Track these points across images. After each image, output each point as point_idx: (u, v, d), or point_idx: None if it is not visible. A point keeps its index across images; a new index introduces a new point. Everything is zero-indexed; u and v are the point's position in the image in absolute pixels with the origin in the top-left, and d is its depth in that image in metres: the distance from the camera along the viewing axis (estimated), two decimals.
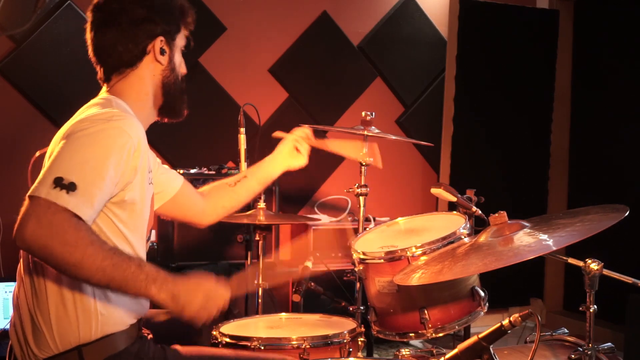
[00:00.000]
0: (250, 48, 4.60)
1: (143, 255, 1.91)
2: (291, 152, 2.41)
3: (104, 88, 1.98)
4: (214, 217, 2.36)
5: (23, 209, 1.62)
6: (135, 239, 1.86)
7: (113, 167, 1.71)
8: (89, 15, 1.96)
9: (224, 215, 2.38)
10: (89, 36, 1.96)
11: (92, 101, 1.92)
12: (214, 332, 2.31)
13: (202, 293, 1.72)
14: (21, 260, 1.87)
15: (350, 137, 2.80)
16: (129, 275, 1.65)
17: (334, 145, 2.64)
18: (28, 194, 1.63)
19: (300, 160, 2.42)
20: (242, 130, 3.07)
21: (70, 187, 1.62)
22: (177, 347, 1.99)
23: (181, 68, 2.05)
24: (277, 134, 2.46)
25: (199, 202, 2.32)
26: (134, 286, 1.66)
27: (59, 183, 1.62)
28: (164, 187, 2.20)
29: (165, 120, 2.07)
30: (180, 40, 2.02)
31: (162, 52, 1.95)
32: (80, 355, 1.76)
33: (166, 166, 2.28)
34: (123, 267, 1.64)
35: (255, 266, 3.00)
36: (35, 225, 1.59)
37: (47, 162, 1.74)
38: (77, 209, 1.63)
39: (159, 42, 1.94)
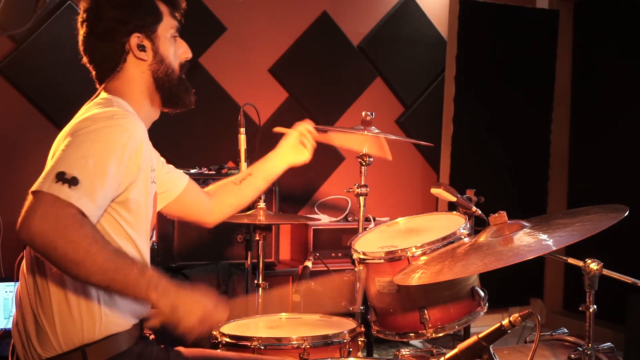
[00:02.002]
0: (250, 48, 4.60)
1: (147, 255, 1.91)
2: (295, 147, 2.37)
3: (102, 91, 1.98)
4: (220, 216, 2.33)
5: (27, 204, 1.62)
6: (139, 239, 1.85)
7: (115, 165, 1.70)
8: (78, 27, 1.95)
9: (230, 213, 2.36)
10: (80, 47, 1.96)
11: (93, 101, 1.91)
12: (214, 332, 2.32)
13: (201, 309, 1.71)
14: (24, 258, 1.87)
15: (353, 132, 2.77)
16: (130, 280, 1.64)
17: (338, 139, 2.60)
18: (31, 189, 1.63)
19: (304, 156, 2.38)
20: (242, 130, 3.07)
21: (72, 182, 1.62)
22: (181, 349, 1.99)
23: (180, 55, 1.98)
24: (278, 129, 2.43)
25: (205, 201, 2.30)
26: (133, 291, 1.66)
27: (61, 177, 1.61)
28: (169, 187, 2.19)
29: (177, 111, 2.03)
30: (165, 29, 1.94)
31: (141, 48, 1.90)
32: (84, 356, 1.76)
33: (171, 165, 2.25)
34: (125, 271, 1.64)
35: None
36: (40, 219, 1.58)
37: (50, 161, 1.74)
38: (79, 203, 1.61)
39: (135, 39, 1.90)
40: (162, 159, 2.20)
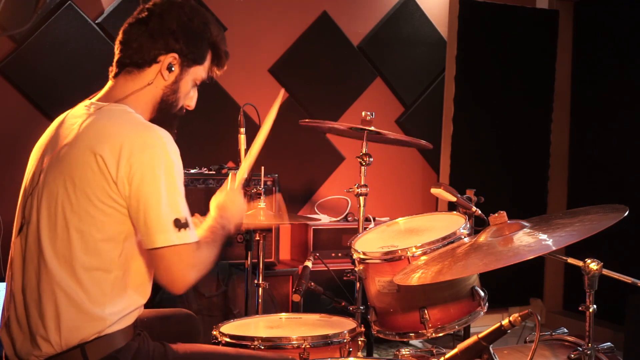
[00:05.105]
0: (250, 48, 4.60)
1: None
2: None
3: (110, 83, 1.99)
4: None
5: (165, 262, 1.79)
6: None
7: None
8: (138, 9, 2.00)
9: None
10: (125, 25, 2.00)
11: (125, 115, 1.90)
12: (214, 332, 2.32)
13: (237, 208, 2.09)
14: (15, 257, 1.88)
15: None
16: (216, 248, 1.94)
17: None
18: (157, 245, 1.77)
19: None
20: (242, 130, 3.08)
21: (185, 224, 1.81)
22: (177, 344, 2.00)
23: (188, 100, 2.06)
24: None
25: None
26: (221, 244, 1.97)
27: (178, 224, 1.79)
28: None
29: None
30: (197, 73, 2.02)
31: (170, 68, 1.96)
32: (83, 353, 1.78)
33: None
34: (216, 247, 1.94)
35: None
36: (193, 272, 1.83)
37: (146, 199, 1.79)
38: (194, 238, 1.84)
39: (170, 57, 1.95)
40: None
